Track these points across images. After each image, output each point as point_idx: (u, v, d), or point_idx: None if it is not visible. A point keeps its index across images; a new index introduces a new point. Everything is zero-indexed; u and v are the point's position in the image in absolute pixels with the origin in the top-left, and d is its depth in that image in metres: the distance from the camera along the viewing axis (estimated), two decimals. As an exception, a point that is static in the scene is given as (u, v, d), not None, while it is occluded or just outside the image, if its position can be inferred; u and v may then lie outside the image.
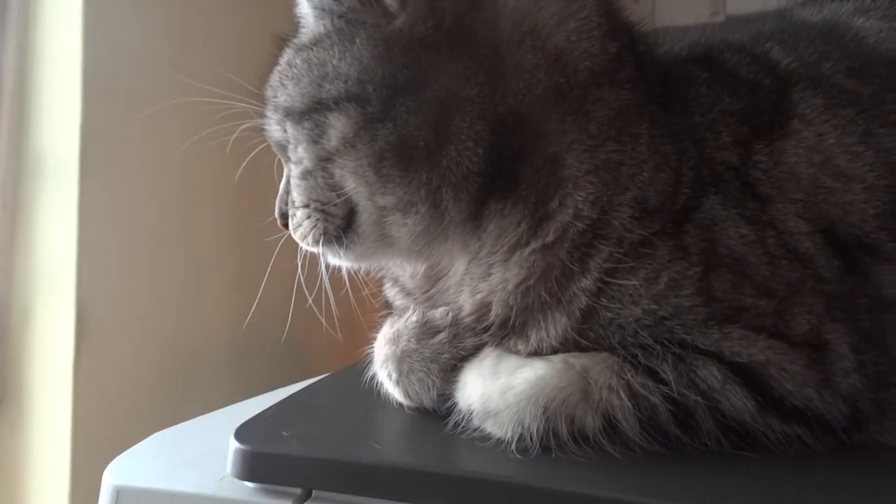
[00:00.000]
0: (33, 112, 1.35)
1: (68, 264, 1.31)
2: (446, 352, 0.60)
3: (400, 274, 0.70)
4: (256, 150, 0.70)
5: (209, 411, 0.80)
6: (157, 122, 1.28)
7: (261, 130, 0.67)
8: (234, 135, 0.70)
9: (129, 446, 0.69)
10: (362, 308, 0.74)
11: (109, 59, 1.35)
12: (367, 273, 0.72)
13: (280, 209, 0.67)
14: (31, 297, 1.34)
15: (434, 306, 0.66)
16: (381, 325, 0.68)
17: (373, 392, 0.66)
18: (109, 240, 1.36)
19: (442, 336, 0.61)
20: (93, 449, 1.31)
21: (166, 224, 1.48)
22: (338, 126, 0.58)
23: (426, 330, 0.62)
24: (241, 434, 0.59)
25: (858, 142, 0.59)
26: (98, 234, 1.34)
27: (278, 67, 0.63)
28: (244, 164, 0.72)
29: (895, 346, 0.56)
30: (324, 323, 0.70)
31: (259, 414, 0.64)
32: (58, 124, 1.32)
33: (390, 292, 0.72)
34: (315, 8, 0.60)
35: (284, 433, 0.59)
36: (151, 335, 1.45)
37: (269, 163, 0.73)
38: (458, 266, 0.63)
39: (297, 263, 0.66)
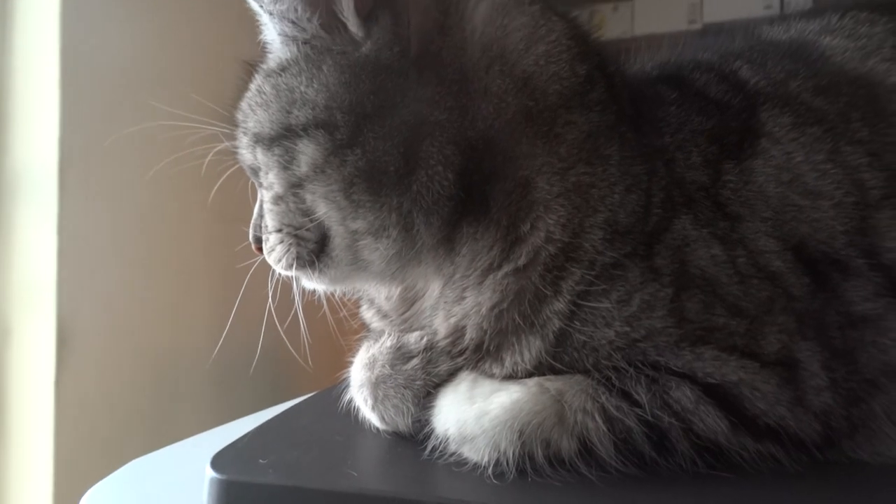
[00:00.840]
0: (11, 128, 1.34)
1: (48, 281, 1.30)
2: (419, 378, 0.60)
3: (376, 296, 0.70)
4: (229, 171, 0.70)
5: (192, 428, 0.80)
6: (136, 138, 1.28)
7: (234, 153, 0.67)
8: (208, 157, 0.70)
9: (112, 465, 0.68)
10: (341, 330, 0.74)
11: (88, 75, 1.35)
12: (344, 295, 0.72)
13: (254, 234, 0.67)
14: (10, 314, 1.33)
15: (411, 329, 0.66)
16: (357, 349, 0.68)
17: (350, 416, 0.66)
18: (89, 256, 1.36)
19: (415, 362, 0.61)
20: (76, 468, 1.31)
21: (146, 239, 1.47)
22: (307, 152, 0.58)
23: (400, 355, 0.62)
24: (217, 463, 0.59)
25: (826, 159, 0.59)
26: (78, 250, 1.33)
27: (248, 93, 0.63)
28: (219, 185, 0.72)
29: (865, 363, 0.57)
30: (294, 354, 0.70)
31: (235, 441, 0.64)
32: (36, 140, 1.32)
33: (367, 314, 0.72)
34: (280, 34, 0.59)
35: (261, 461, 0.59)
36: (133, 351, 1.45)
37: (244, 183, 0.72)
38: (433, 289, 0.63)
39: (268, 292, 0.66)
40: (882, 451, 0.57)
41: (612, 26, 2.31)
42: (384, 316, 0.69)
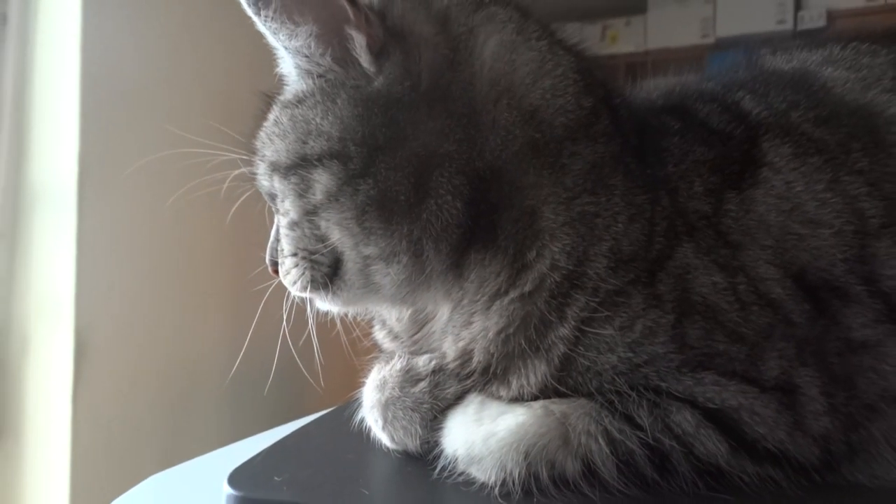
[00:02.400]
0: (31, 141, 1.37)
1: (67, 293, 1.32)
2: (426, 402, 0.62)
3: (387, 317, 0.72)
4: (246, 194, 0.72)
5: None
6: (155, 151, 1.31)
7: (252, 179, 0.69)
8: (227, 182, 0.72)
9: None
10: (354, 349, 0.76)
11: (107, 90, 1.37)
12: (356, 316, 0.74)
13: (270, 257, 0.69)
14: (29, 326, 1.36)
15: (421, 350, 0.67)
16: (370, 370, 0.70)
17: (362, 435, 0.68)
18: (108, 268, 1.38)
19: (423, 385, 0.63)
20: (93, 480, 1.32)
21: (165, 251, 1.50)
22: (322, 181, 0.60)
23: (409, 378, 0.64)
24: (233, 479, 0.61)
25: (826, 189, 0.61)
26: (96, 262, 1.35)
27: (266, 123, 0.65)
28: (236, 207, 0.74)
29: (864, 388, 0.58)
30: (306, 374, 0.72)
31: (251, 459, 0.66)
32: (56, 154, 1.34)
33: (379, 335, 0.74)
34: (296, 68, 0.62)
35: (276, 478, 0.61)
36: (150, 363, 1.47)
37: (262, 206, 0.75)
38: (443, 312, 0.65)
39: (283, 314, 0.68)
40: (881, 474, 0.58)
41: (624, 41, 2.32)
42: (395, 337, 0.71)
